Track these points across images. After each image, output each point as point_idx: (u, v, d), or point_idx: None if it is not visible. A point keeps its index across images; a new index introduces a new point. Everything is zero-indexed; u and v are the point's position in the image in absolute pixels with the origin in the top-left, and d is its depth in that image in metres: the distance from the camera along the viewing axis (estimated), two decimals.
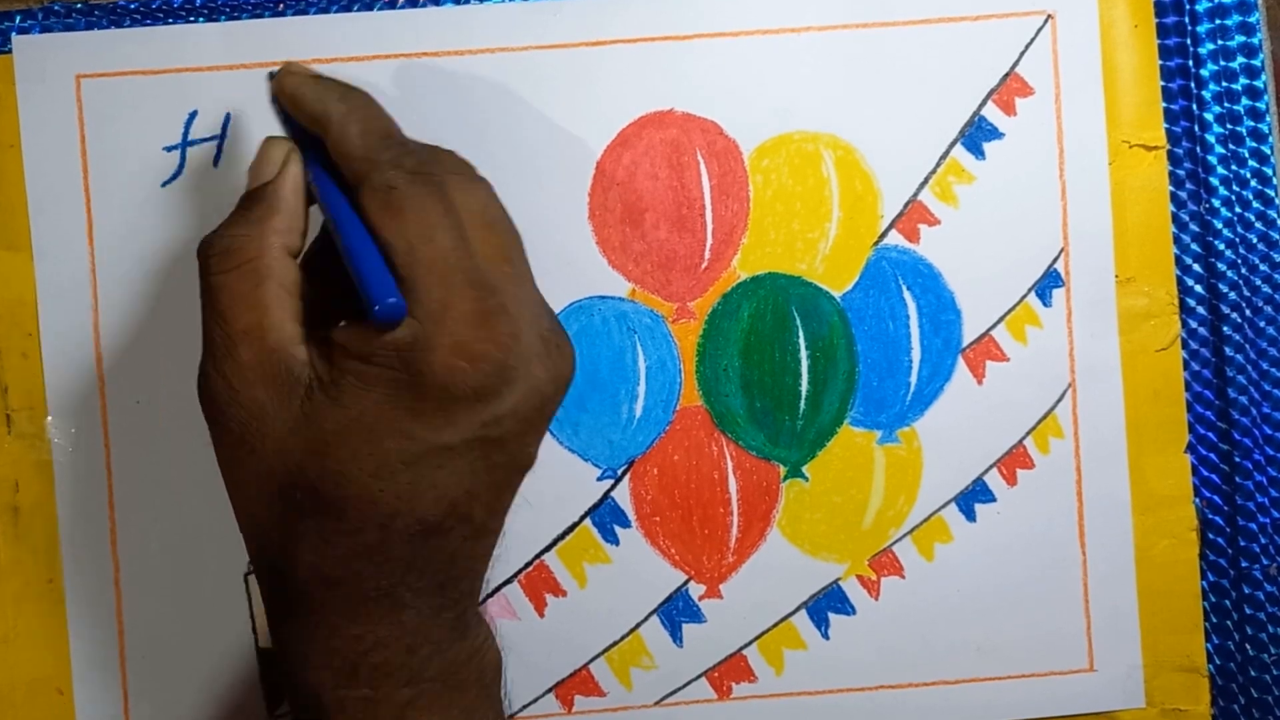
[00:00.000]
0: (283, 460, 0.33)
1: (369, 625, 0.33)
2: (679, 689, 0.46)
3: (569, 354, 0.35)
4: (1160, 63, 0.45)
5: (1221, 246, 0.45)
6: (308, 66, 0.38)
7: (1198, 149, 0.45)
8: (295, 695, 0.35)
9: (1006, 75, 0.45)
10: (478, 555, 0.35)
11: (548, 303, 0.35)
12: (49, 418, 0.44)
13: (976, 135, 0.45)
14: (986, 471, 0.45)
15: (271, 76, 0.37)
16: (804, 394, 0.45)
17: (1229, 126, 0.45)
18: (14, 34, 0.44)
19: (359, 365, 0.32)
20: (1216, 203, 0.45)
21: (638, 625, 0.45)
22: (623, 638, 0.45)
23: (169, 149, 0.44)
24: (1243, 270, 0.45)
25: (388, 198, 0.33)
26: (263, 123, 0.44)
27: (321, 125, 0.35)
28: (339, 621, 0.33)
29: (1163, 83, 0.45)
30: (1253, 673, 0.45)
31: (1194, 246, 0.45)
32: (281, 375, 0.33)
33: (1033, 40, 0.45)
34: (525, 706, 0.45)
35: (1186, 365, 0.45)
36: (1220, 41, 0.45)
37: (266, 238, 0.34)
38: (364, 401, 0.32)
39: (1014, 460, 0.45)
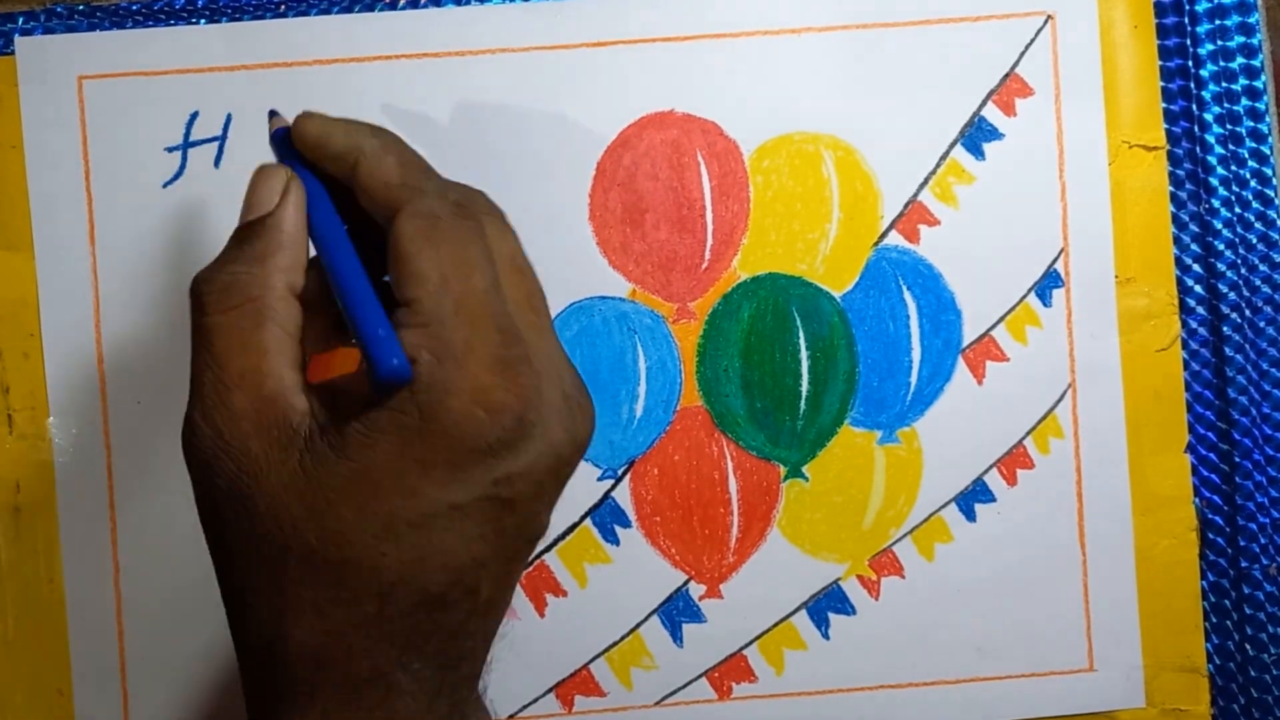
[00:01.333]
0: (277, 521, 0.30)
1: (359, 714, 0.30)
2: (679, 689, 0.46)
3: (590, 416, 0.32)
4: (1160, 63, 0.45)
5: (1221, 247, 0.45)
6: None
7: (1197, 149, 0.45)
8: None
9: (1006, 76, 0.45)
10: (481, 633, 0.32)
11: (571, 361, 0.33)
12: (50, 418, 0.44)
13: (976, 136, 0.45)
14: (986, 471, 0.45)
15: (273, 115, 0.35)
16: (804, 394, 0.45)
17: (1229, 127, 0.45)
18: (17, 35, 0.44)
19: (366, 411, 0.30)
20: (1216, 203, 0.45)
21: (638, 625, 0.45)
22: (623, 638, 0.45)
23: (170, 150, 0.44)
24: (1242, 270, 0.45)
25: (430, 226, 0.30)
26: (263, 124, 0.44)
27: (351, 159, 0.32)
28: (329, 707, 0.30)
29: (1162, 83, 0.45)
30: (1252, 673, 0.45)
31: (1194, 247, 0.45)
32: (279, 426, 0.30)
33: (1033, 41, 0.45)
34: (525, 707, 0.45)
35: (1186, 365, 0.45)
36: (1220, 42, 0.45)
37: (270, 276, 0.31)
38: (371, 453, 0.29)
39: (1014, 460, 0.45)
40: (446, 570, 0.30)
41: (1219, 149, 0.45)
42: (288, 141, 0.34)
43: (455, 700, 0.31)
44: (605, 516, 0.45)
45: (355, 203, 0.32)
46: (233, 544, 0.31)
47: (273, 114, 0.36)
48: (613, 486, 0.45)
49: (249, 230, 0.32)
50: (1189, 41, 0.45)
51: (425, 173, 0.32)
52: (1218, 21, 0.45)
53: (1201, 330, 0.45)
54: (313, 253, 0.33)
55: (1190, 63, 0.45)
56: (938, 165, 0.45)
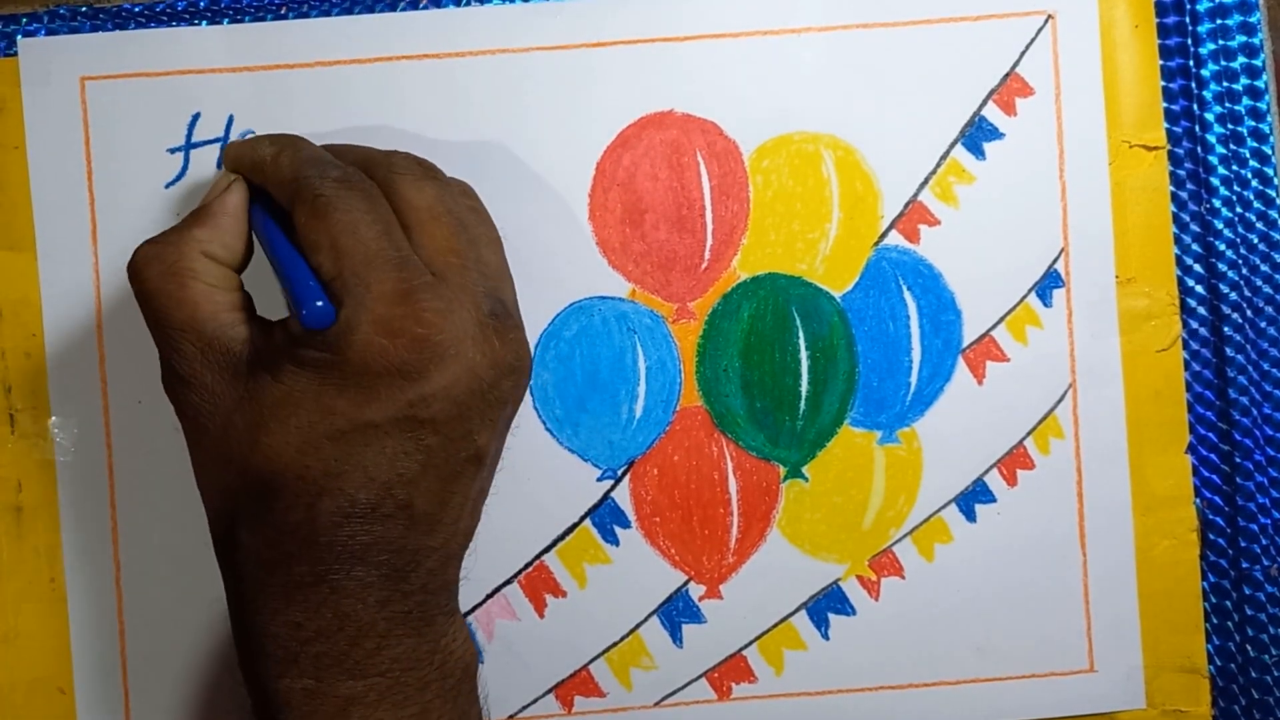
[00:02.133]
0: (226, 437, 0.35)
1: (308, 612, 0.34)
2: (679, 689, 0.46)
3: (513, 341, 0.36)
4: (1161, 63, 0.45)
5: (1222, 247, 0.45)
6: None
7: (1198, 149, 0.45)
8: (248, 688, 0.36)
9: (1007, 75, 0.45)
10: (430, 548, 0.35)
11: (504, 297, 0.36)
12: (52, 418, 0.44)
13: (977, 135, 0.45)
14: (987, 472, 0.45)
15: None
16: (804, 394, 0.45)
17: (1230, 127, 0.45)
18: (19, 36, 0.44)
19: (295, 348, 0.34)
20: (1217, 203, 0.45)
21: (638, 626, 0.45)
22: (623, 638, 0.45)
23: (173, 151, 0.44)
24: (1244, 271, 0.45)
25: (314, 205, 0.35)
26: (264, 125, 0.44)
27: (258, 169, 0.38)
28: (277, 605, 0.34)
29: (1163, 83, 0.45)
30: (1253, 674, 0.45)
31: (1195, 247, 0.45)
32: (224, 358, 0.35)
33: (1033, 40, 0.45)
34: (525, 707, 0.45)
35: (1187, 366, 0.45)
36: (1221, 41, 0.45)
37: (184, 244, 0.36)
38: (295, 379, 0.34)
39: (1014, 461, 0.45)
40: (372, 483, 0.33)
41: (1220, 149, 0.45)
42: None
43: (409, 608, 0.35)
44: (605, 517, 0.45)
45: None
46: (202, 463, 0.36)
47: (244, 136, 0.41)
48: (612, 487, 0.45)
49: (186, 217, 0.38)
50: (1190, 41, 0.45)
51: (315, 162, 0.36)
52: (1219, 21, 0.45)
53: (1202, 330, 0.45)
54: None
55: (1191, 62, 0.45)
56: (938, 165, 0.45)
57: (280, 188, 0.36)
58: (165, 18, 0.45)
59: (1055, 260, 0.45)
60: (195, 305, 0.35)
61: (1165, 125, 0.45)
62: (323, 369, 0.33)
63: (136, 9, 0.45)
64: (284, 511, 0.34)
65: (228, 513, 0.35)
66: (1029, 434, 0.45)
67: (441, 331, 0.33)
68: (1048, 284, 0.45)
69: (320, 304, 0.33)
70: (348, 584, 0.34)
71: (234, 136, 0.44)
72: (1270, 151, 0.45)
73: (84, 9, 0.44)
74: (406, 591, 0.35)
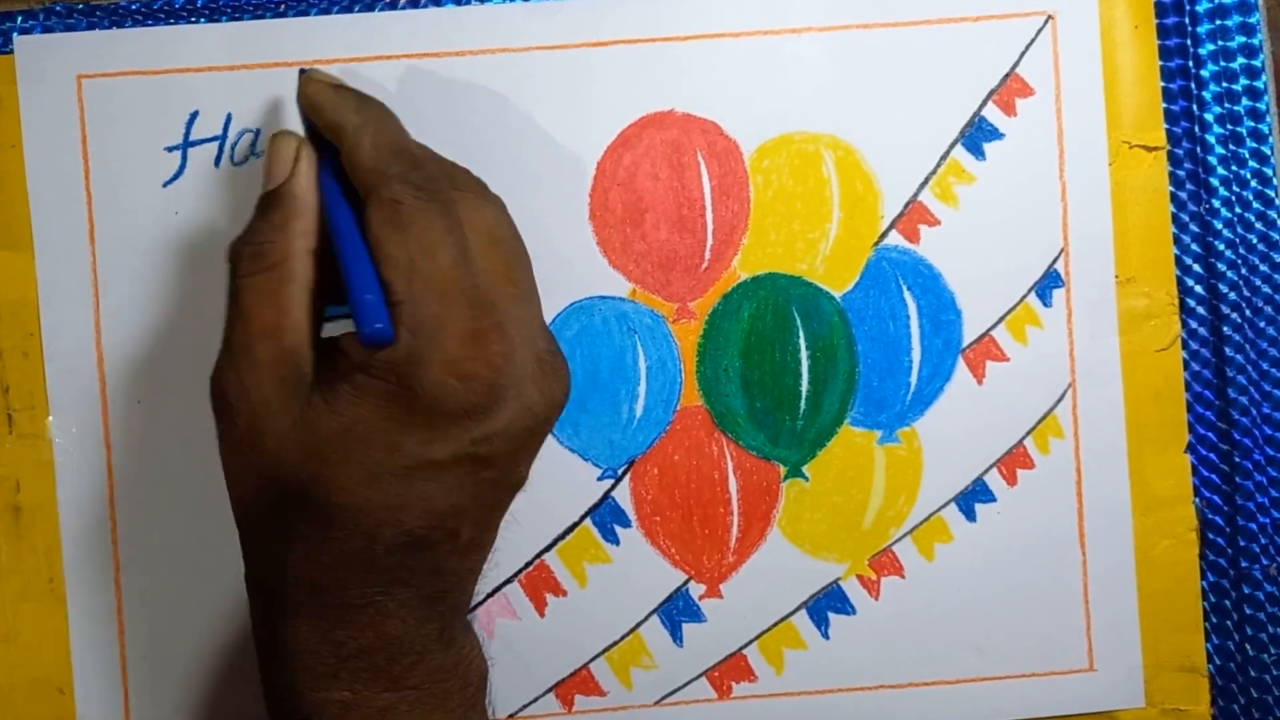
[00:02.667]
0: (280, 460, 0.33)
1: (351, 631, 0.34)
2: (679, 689, 0.46)
3: (564, 377, 0.36)
4: (1160, 63, 0.45)
5: (1222, 247, 0.45)
6: (329, 74, 0.38)
7: (1198, 149, 0.45)
8: (275, 695, 0.35)
9: (1007, 76, 0.45)
10: (465, 570, 0.36)
11: (547, 326, 0.36)
12: (50, 417, 0.44)
13: (977, 136, 0.45)
14: (987, 471, 0.45)
15: (303, 73, 0.38)
16: (804, 394, 0.45)
17: (1229, 127, 0.45)
18: (15, 34, 0.44)
19: (355, 374, 0.33)
20: (1217, 203, 0.45)
21: (638, 625, 0.45)
22: (623, 637, 0.45)
23: (170, 149, 0.44)
24: (1243, 271, 0.45)
25: (394, 212, 0.34)
26: (263, 124, 0.44)
27: (336, 135, 0.36)
28: (324, 625, 0.34)
29: (1163, 83, 0.45)
30: (1253, 673, 0.45)
31: (1194, 247, 0.45)
32: (291, 375, 0.34)
33: (1033, 41, 0.45)
34: (525, 706, 0.45)
35: (1186, 365, 0.45)
36: (1220, 42, 0.45)
37: (292, 242, 0.35)
38: (358, 410, 0.33)
39: (1014, 460, 0.45)
40: (428, 515, 0.33)
41: (1219, 149, 0.45)
42: None
43: (443, 625, 0.35)
44: (605, 516, 0.45)
45: None
46: (244, 480, 0.35)
47: (303, 72, 0.38)
48: (613, 486, 0.45)
49: (269, 200, 0.36)
50: (1189, 41, 0.45)
51: (397, 153, 0.35)
52: (1218, 21, 0.45)
53: (1202, 330, 0.45)
54: None
55: (1191, 63, 0.45)
56: (938, 165, 0.45)
57: (358, 171, 0.35)
58: (162, 15, 0.44)
59: (1055, 260, 0.45)
60: (287, 310, 0.34)
61: (1165, 126, 0.45)
62: (386, 400, 0.33)
63: (133, 7, 0.44)
64: (342, 541, 0.33)
65: (272, 536, 0.34)
66: (1029, 434, 0.45)
67: (506, 375, 0.33)
68: (1047, 284, 0.45)
69: (380, 326, 0.32)
70: (392, 605, 0.34)
71: (231, 136, 0.44)
72: (1269, 152, 0.45)
73: (80, 6, 0.44)
74: (441, 610, 0.35)
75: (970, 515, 0.45)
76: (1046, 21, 0.45)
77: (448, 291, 0.33)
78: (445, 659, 0.35)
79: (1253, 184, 0.45)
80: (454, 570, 0.35)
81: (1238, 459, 0.45)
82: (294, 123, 0.43)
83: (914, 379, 0.45)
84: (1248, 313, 0.45)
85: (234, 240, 0.35)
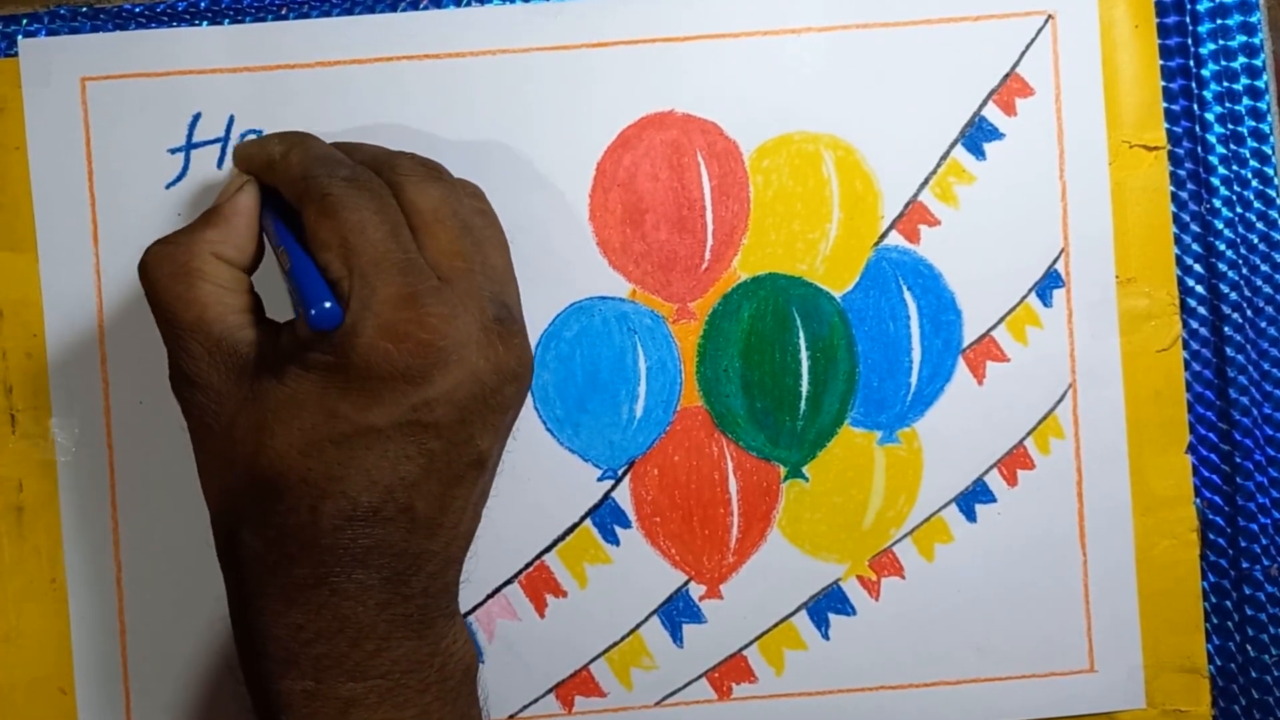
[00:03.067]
0: (230, 438, 0.35)
1: (308, 614, 0.34)
2: (679, 689, 0.46)
3: (518, 349, 0.36)
4: (1161, 63, 0.45)
5: (1222, 247, 0.45)
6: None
7: (1199, 149, 0.45)
8: (249, 689, 0.36)
9: (1007, 75, 0.45)
10: (431, 552, 0.35)
11: (506, 302, 0.36)
12: (53, 418, 0.44)
13: (977, 136, 0.45)
14: (987, 472, 0.45)
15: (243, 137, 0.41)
16: (804, 394, 0.45)
17: (1230, 127, 0.45)
18: (20, 37, 0.44)
19: (300, 351, 0.34)
20: (1217, 203, 0.45)
21: (638, 626, 0.45)
22: (623, 638, 0.45)
23: (173, 151, 0.44)
24: (1244, 271, 0.45)
25: (323, 204, 0.35)
26: (265, 125, 0.44)
27: (268, 168, 0.38)
28: (279, 607, 0.34)
29: (1163, 83, 0.45)
30: (1253, 674, 0.45)
31: (1195, 247, 0.45)
32: (231, 359, 0.35)
33: (1033, 40, 0.45)
34: (525, 707, 0.45)
35: (1187, 366, 0.45)
36: (1221, 41, 0.45)
37: (194, 245, 0.36)
38: (300, 382, 0.34)
39: (1014, 461, 0.45)
40: (374, 487, 0.34)
41: (1220, 149, 0.45)
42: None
43: (409, 611, 0.35)
44: (605, 517, 0.45)
45: None
46: (206, 463, 0.36)
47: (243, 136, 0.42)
48: (613, 487, 0.45)
49: (198, 218, 0.38)
50: (1190, 41, 0.45)
51: (324, 160, 0.36)
52: (1219, 21, 0.45)
53: (1203, 330, 0.45)
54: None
55: (1191, 62, 0.45)
56: (938, 165, 0.45)
57: (289, 186, 0.36)
58: (166, 18, 0.45)
59: (1055, 260, 0.45)
60: (204, 306, 0.35)
61: (1165, 125, 0.45)
62: (327, 372, 0.34)
63: (137, 9, 0.45)
64: (286, 514, 0.34)
65: (230, 514, 0.35)
66: (1029, 434, 0.45)
67: (445, 337, 0.33)
68: (1048, 284, 0.45)
69: (328, 305, 0.33)
70: (348, 586, 0.34)
71: (235, 137, 0.44)
72: (1270, 151, 0.45)
73: (84, 9, 0.44)
74: (407, 595, 0.35)
75: (970, 516, 0.45)
76: (1046, 21, 0.45)
77: (379, 261, 0.34)
78: (417, 648, 0.35)
79: (1254, 184, 0.45)
80: (416, 552, 0.35)
81: (1239, 459, 0.45)
82: (300, 123, 0.44)
83: (914, 379, 0.45)
84: (1249, 313, 0.45)
85: (145, 250, 0.37)
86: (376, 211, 0.35)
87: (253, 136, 0.41)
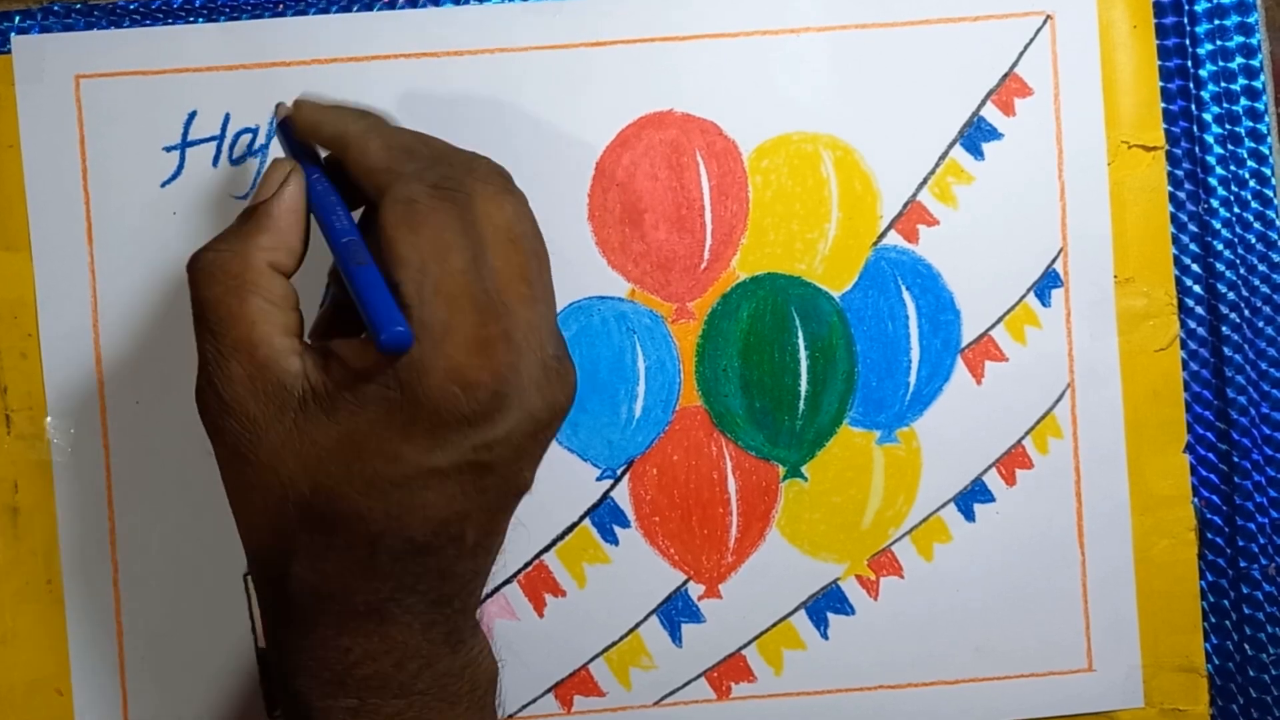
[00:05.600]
0: (277, 472, 0.33)
1: (357, 638, 0.34)
2: (678, 689, 0.46)
3: (569, 381, 0.35)
4: (1159, 63, 0.45)
5: (1220, 247, 0.45)
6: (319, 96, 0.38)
7: (1196, 149, 0.45)
8: (286, 701, 0.35)
9: (1005, 76, 0.45)
10: (471, 573, 0.35)
11: (557, 327, 0.35)
12: (48, 418, 0.44)
13: (975, 136, 0.45)
14: (985, 471, 0.45)
15: (279, 106, 0.38)
16: (803, 394, 0.45)
17: (1228, 127, 0.45)
18: (13, 34, 0.44)
19: (355, 382, 0.32)
20: (1215, 203, 0.45)
21: (637, 625, 0.45)
22: (622, 638, 0.45)
23: (168, 149, 0.44)
24: (1241, 270, 0.45)
25: (408, 211, 0.33)
26: (260, 123, 0.44)
27: (341, 143, 0.35)
28: (329, 634, 0.34)
29: (1161, 83, 0.45)
30: (1251, 673, 0.46)
31: (1193, 247, 0.45)
32: (273, 389, 0.33)
33: (1032, 41, 0.45)
34: (525, 707, 0.45)
35: (1185, 365, 0.45)
36: (1219, 42, 0.45)
37: (250, 254, 0.34)
38: (357, 419, 0.32)
39: (1013, 460, 0.45)
40: (430, 522, 0.33)
41: (1218, 149, 0.45)
42: (291, 129, 0.37)
43: (450, 628, 0.35)
44: (604, 516, 0.45)
45: None
46: (243, 493, 0.34)
47: (279, 106, 0.38)
48: (611, 486, 0.45)
49: (242, 216, 0.36)
50: (1188, 41, 0.45)
51: (409, 153, 0.35)
52: (1217, 21, 0.45)
53: (1200, 330, 0.45)
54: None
55: (1189, 63, 0.45)
56: (937, 165, 0.45)
57: (367, 175, 0.35)
58: (160, 15, 0.44)
59: (1054, 260, 0.45)
60: (252, 324, 0.33)
61: (1163, 125, 0.45)
62: (386, 407, 0.32)
63: (131, 6, 0.44)
64: (343, 550, 0.33)
65: (278, 549, 0.34)
66: (1028, 434, 0.45)
67: (509, 384, 0.32)
68: (1046, 284, 0.45)
69: (401, 330, 0.31)
70: (397, 611, 0.34)
71: (230, 135, 0.44)
72: (1268, 152, 0.45)
73: (78, 6, 0.44)
74: (447, 614, 0.35)
75: (969, 515, 0.45)
76: (1045, 21, 0.45)
77: (457, 297, 0.32)
78: (453, 663, 0.35)
79: (1251, 184, 0.45)
80: (460, 574, 0.35)
81: (1236, 459, 0.45)
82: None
83: (913, 379, 0.45)
84: (1246, 312, 0.45)
85: (193, 253, 0.35)
86: (461, 234, 0.33)
87: (310, 99, 0.37)
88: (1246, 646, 0.45)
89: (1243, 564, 0.45)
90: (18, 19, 0.44)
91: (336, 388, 0.33)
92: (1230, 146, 0.45)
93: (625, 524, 0.45)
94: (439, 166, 0.34)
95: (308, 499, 0.33)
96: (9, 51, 0.44)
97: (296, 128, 0.37)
